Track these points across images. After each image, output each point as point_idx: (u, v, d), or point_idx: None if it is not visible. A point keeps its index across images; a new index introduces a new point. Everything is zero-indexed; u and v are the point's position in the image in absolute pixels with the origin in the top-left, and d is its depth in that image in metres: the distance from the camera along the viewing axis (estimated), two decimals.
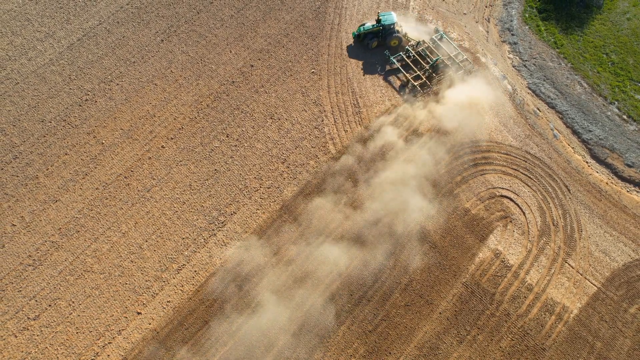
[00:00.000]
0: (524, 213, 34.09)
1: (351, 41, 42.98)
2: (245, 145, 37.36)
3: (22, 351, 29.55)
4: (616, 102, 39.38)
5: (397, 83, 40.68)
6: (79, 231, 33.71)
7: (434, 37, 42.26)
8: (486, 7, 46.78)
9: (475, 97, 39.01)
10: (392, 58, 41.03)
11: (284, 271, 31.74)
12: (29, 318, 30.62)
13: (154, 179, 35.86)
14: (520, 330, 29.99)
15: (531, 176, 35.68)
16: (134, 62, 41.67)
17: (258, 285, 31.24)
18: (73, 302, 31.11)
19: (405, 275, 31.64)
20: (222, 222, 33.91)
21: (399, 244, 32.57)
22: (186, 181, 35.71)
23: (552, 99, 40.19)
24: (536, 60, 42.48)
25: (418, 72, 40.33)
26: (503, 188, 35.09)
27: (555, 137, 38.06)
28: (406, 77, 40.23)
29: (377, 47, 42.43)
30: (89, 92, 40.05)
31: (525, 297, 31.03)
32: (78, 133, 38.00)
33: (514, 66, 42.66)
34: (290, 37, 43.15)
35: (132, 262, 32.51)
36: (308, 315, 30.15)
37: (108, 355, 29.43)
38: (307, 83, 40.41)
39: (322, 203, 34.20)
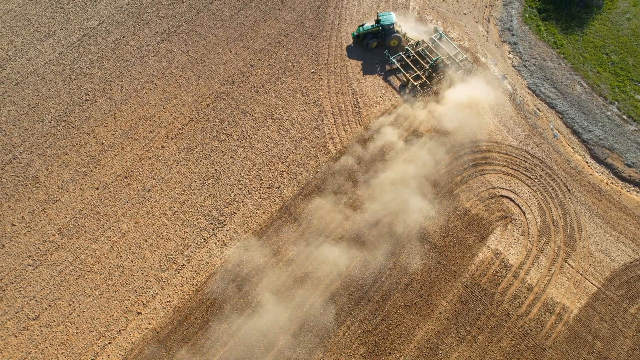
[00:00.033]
0: (524, 213, 34.09)
1: (351, 41, 42.99)
2: (245, 145, 37.36)
3: (22, 351, 29.55)
4: (616, 102, 39.38)
5: (397, 83, 40.68)
6: (79, 231, 33.71)
7: (433, 36, 42.28)
8: (486, 7, 46.78)
9: (475, 97, 39.01)
10: (391, 58, 41.04)
11: (284, 271, 31.74)
12: (29, 318, 30.62)
13: (154, 179, 35.86)
14: (520, 330, 29.99)
15: (531, 176, 35.68)
16: (134, 62, 41.68)
17: (258, 285, 31.24)
18: (73, 302, 31.12)
19: (405, 275, 31.64)
20: (222, 222, 33.91)
21: (399, 244, 32.57)
22: (186, 181, 35.72)
23: (552, 99, 40.19)
24: (536, 60, 42.48)
25: (418, 72, 40.33)
26: (503, 188, 35.10)
27: (555, 137, 38.06)
28: (406, 77, 40.23)
29: (376, 47, 42.44)
30: (89, 92, 40.05)
31: (525, 297, 31.03)
32: (78, 133, 38.00)
33: (514, 66, 42.66)
34: (290, 37, 43.16)
35: (132, 262, 32.52)
36: (308, 315, 30.15)
37: (108, 355, 29.44)
38: (307, 83, 40.41)
39: (322, 203, 34.20)
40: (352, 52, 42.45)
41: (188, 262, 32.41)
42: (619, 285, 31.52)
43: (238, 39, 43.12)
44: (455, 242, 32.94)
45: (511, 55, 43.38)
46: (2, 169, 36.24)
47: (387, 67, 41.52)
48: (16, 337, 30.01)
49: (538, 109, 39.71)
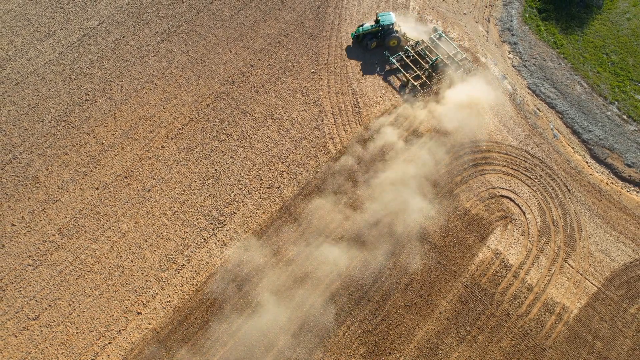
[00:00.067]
0: (524, 213, 34.09)
1: (351, 41, 42.98)
2: (245, 145, 37.36)
3: (22, 351, 29.55)
4: (616, 102, 39.38)
5: (397, 83, 40.68)
6: (79, 231, 33.71)
7: (432, 36, 42.29)
8: (486, 7, 46.78)
9: (475, 97, 39.01)
10: (391, 58, 41.04)
11: (284, 271, 31.74)
12: (29, 318, 30.62)
13: (154, 179, 35.86)
14: (520, 330, 29.99)
15: (531, 176, 35.68)
16: (134, 62, 41.68)
17: (258, 285, 31.25)
18: (73, 302, 31.12)
19: (405, 275, 31.64)
20: (222, 222, 33.92)
21: (399, 244, 32.57)
22: (186, 181, 35.72)
23: (552, 99, 40.19)
24: (536, 60, 42.48)
25: (418, 72, 40.34)
26: (503, 188, 35.10)
27: (555, 137, 38.06)
28: (406, 77, 40.23)
29: (376, 47, 42.44)
30: (89, 92, 40.06)
31: (525, 297, 31.03)
32: (78, 133, 38.00)
33: (514, 66, 42.66)
34: (290, 37, 43.16)
35: (132, 262, 32.52)
36: (308, 315, 30.16)
37: (108, 355, 29.44)
38: (307, 83, 40.41)
39: (322, 203, 34.20)
40: (352, 52, 42.45)
41: (188, 262, 32.41)
42: (619, 285, 31.52)
43: (238, 39, 43.12)
44: (455, 242, 32.94)
45: (511, 55, 43.38)
46: (2, 169, 36.24)
47: (387, 67, 41.52)
48: (16, 337, 30.01)
49: (538, 109, 39.71)
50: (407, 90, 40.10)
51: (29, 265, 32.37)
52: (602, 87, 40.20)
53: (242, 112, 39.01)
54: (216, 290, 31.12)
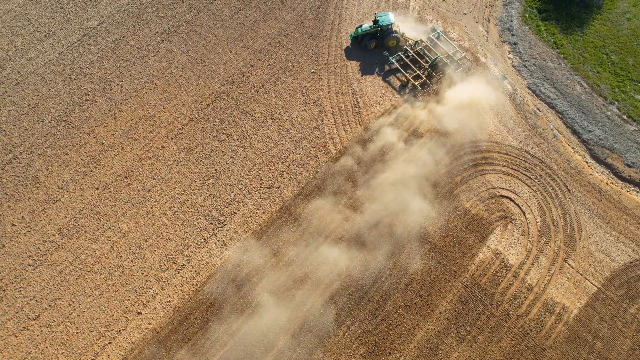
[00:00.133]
0: (524, 213, 34.09)
1: (350, 42, 42.94)
2: (245, 145, 37.37)
3: (22, 351, 29.55)
4: (616, 102, 39.38)
5: (397, 83, 40.68)
6: (79, 231, 33.72)
7: (431, 35, 42.31)
8: (486, 7, 46.78)
9: (476, 98, 39.03)
10: (391, 58, 41.05)
11: (284, 271, 31.74)
12: (29, 318, 30.62)
13: (154, 179, 35.86)
14: (520, 330, 29.99)
15: (531, 176, 35.68)
16: (134, 62, 41.68)
17: (258, 285, 31.25)
18: (73, 302, 31.12)
19: (405, 275, 31.64)
20: (222, 222, 33.92)
21: (399, 244, 32.57)
22: (186, 181, 35.72)
23: (552, 99, 40.19)
24: (536, 61, 42.48)
25: (418, 72, 40.34)
26: (503, 188, 35.10)
27: (555, 137, 38.06)
28: (406, 76, 40.23)
29: (375, 47, 42.43)
30: (89, 92, 40.06)
31: (525, 297, 31.03)
32: (78, 133, 38.00)
33: (514, 66, 42.66)
34: (290, 37, 43.16)
35: (132, 262, 32.52)
36: (308, 315, 30.16)
37: (108, 355, 29.44)
38: (307, 83, 40.42)
39: (322, 203, 34.20)
40: (351, 52, 42.45)
41: (188, 262, 32.41)
42: (619, 285, 31.52)
43: (238, 39, 43.13)
44: (455, 242, 32.94)
45: (511, 55, 43.38)
46: (2, 169, 36.25)
47: (387, 68, 41.52)
48: (16, 337, 30.02)
49: (538, 109, 39.71)
50: (407, 90, 40.11)
51: (29, 265, 32.38)
52: (602, 87, 40.20)
53: (242, 112, 39.02)
54: (216, 290, 31.12)
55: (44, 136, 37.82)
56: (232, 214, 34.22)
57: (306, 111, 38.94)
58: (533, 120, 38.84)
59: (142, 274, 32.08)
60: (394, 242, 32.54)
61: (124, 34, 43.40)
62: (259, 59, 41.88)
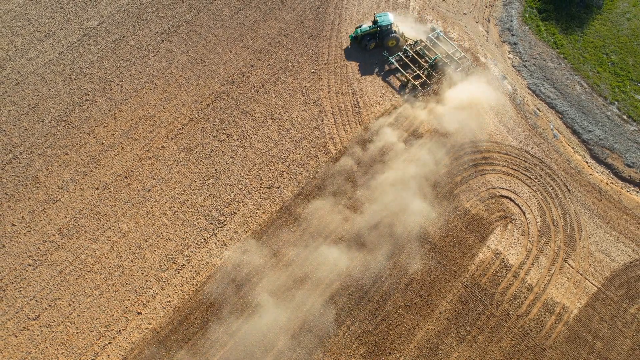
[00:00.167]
0: (524, 213, 34.09)
1: (349, 43, 42.93)
2: (246, 145, 37.37)
3: (22, 351, 29.56)
4: (616, 102, 39.38)
5: (397, 83, 40.67)
6: (79, 231, 33.72)
7: (430, 35, 42.32)
8: (486, 7, 46.78)
9: (476, 98, 39.02)
10: (390, 59, 41.06)
11: (284, 272, 31.74)
12: (29, 318, 30.63)
13: (154, 179, 35.87)
14: (520, 330, 29.99)
15: (531, 176, 35.68)
16: (134, 62, 41.69)
17: (258, 285, 31.25)
18: (73, 302, 31.12)
19: (405, 275, 31.64)
20: (222, 222, 33.92)
21: (398, 244, 32.56)
22: (186, 181, 35.72)
23: (552, 99, 40.19)
24: (536, 61, 42.48)
25: (418, 72, 40.34)
26: (503, 188, 35.09)
27: (555, 137, 38.06)
28: (406, 76, 40.23)
29: (375, 47, 42.42)
30: (89, 92, 40.06)
31: (525, 297, 31.03)
32: (78, 133, 38.01)
33: (514, 66, 42.66)
34: (290, 37, 43.16)
35: (132, 262, 32.52)
36: (308, 315, 30.16)
37: (108, 355, 29.44)
38: (307, 83, 40.41)
39: (322, 203, 34.20)
40: (351, 52, 42.45)
41: (188, 262, 32.41)
42: (619, 285, 31.52)
43: (238, 39, 43.13)
44: (455, 242, 32.94)
45: (511, 56, 43.38)
46: (2, 169, 36.25)
47: (387, 68, 41.51)
48: (16, 337, 30.02)
49: (538, 109, 39.71)
50: (407, 90, 40.11)
51: (29, 265, 32.38)
52: (602, 87, 40.19)
53: (242, 112, 39.01)
54: (216, 290, 31.12)
55: (44, 136, 37.83)
56: (232, 214, 34.22)
57: (306, 111, 38.94)
58: (533, 120, 38.84)
59: (142, 274, 32.09)
60: (394, 242, 32.54)
61: (124, 34, 43.40)
62: (259, 59, 41.88)
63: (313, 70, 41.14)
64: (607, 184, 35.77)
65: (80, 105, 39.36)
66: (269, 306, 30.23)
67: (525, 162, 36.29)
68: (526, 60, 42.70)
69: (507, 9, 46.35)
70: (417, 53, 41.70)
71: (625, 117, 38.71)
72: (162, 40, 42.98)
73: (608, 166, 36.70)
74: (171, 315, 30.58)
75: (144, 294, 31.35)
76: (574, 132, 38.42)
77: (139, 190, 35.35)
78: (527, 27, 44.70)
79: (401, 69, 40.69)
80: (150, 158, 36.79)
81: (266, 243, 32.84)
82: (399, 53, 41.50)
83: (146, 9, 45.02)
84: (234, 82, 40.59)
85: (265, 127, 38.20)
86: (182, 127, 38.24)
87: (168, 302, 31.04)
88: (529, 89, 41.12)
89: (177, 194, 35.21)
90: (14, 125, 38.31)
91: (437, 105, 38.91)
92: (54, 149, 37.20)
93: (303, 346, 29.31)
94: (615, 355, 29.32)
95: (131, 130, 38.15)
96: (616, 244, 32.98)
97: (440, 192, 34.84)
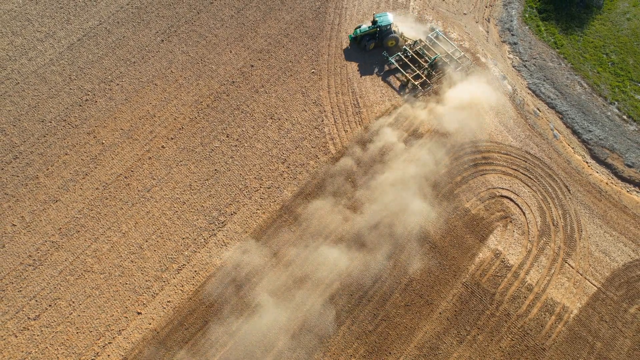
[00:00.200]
0: (524, 213, 34.09)
1: (349, 43, 42.92)
2: (246, 145, 37.37)
3: (22, 351, 29.56)
4: (616, 102, 39.38)
5: (397, 83, 40.68)
6: (79, 231, 33.72)
7: (430, 35, 42.33)
8: (486, 7, 46.78)
9: (476, 98, 39.02)
10: (390, 59, 41.06)
11: (284, 272, 31.74)
12: (29, 318, 30.63)
13: (154, 179, 35.87)
14: (520, 330, 29.99)
15: (531, 176, 35.68)
16: (134, 62, 41.69)
17: (258, 285, 31.25)
18: (73, 302, 31.13)
19: (405, 275, 31.64)
20: (222, 222, 33.92)
21: (399, 244, 32.57)
22: (186, 181, 35.73)
23: (552, 99, 40.19)
24: (536, 61, 42.48)
25: (418, 72, 40.35)
26: (503, 188, 35.10)
27: (555, 137, 38.06)
28: (406, 76, 40.23)
29: (375, 48, 42.41)
30: (89, 92, 40.07)
31: (525, 297, 31.03)
32: (78, 133, 38.01)
33: (514, 66, 42.66)
34: (290, 37, 43.16)
35: (132, 262, 32.52)
36: (308, 315, 30.16)
37: (108, 355, 29.44)
38: (307, 83, 40.42)
39: (322, 203, 34.20)
40: (351, 52, 42.45)
41: (188, 262, 32.42)
42: (619, 285, 31.52)
43: (238, 39, 43.13)
44: (455, 242, 32.94)
45: (511, 56, 43.38)
46: (2, 169, 36.25)
47: (386, 68, 41.52)
48: (16, 337, 30.02)
49: (538, 109, 39.71)
50: (407, 90, 40.11)
51: (29, 265, 32.38)
52: (602, 87, 40.20)
53: (242, 112, 39.02)
54: (216, 290, 31.13)
55: (44, 136, 37.83)
56: (232, 214, 34.22)
57: (306, 111, 38.94)
58: (533, 120, 38.84)
59: (142, 274, 32.09)
60: (394, 243, 32.54)
61: (124, 34, 43.41)
62: (259, 59, 41.88)
63: (313, 70, 41.15)
64: (607, 184, 35.78)
65: (80, 105, 39.36)
66: (269, 306, 30.24)
67: (525, 162, 36.30)
68: (526, 60, 42.71)
69: (507, 9, 46.35)
70: (417, 53, 41.72)
71: (625, 117, 38.72)
72: (162, 40, 42.99)
73: (608, 166, 36.71)
74: (171, 315, 30.58)
75: (144, 294, 31.35)
76: (574, 132, 38.43)
77: (139, 190, 35.36)
78: (527, 27, 44.71)
79: (401, 69, 40.71)
80: (150, 158, 36.80)
81: (266, 243, 32.84)
82: (399, 53, 41.50)
83: (146, 9, 45.02)
84: (234, 82, 40.60)
85: (265, 127, 38.20)
86: (182, 127, 38.25)
87: (168, 302, 31.05)
88: (529, 89, 41.13)
89: (177, 194, 35.21)
90: (14, 125, 38.32)
91: (437, 105, 38.92)
92: (54, 149, 37.21)
93: (303, 346, 29.32)
94: (615, 355, 29.32)
95: (131, 130, 38.15)
96: (616, 244, 32.98)
97: (440, 192, 34.85)
